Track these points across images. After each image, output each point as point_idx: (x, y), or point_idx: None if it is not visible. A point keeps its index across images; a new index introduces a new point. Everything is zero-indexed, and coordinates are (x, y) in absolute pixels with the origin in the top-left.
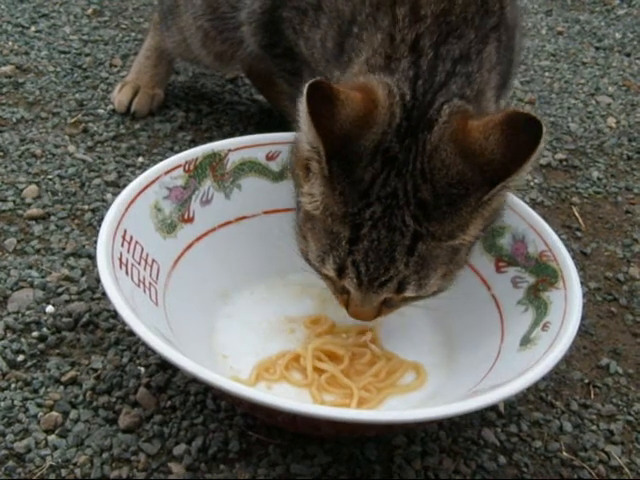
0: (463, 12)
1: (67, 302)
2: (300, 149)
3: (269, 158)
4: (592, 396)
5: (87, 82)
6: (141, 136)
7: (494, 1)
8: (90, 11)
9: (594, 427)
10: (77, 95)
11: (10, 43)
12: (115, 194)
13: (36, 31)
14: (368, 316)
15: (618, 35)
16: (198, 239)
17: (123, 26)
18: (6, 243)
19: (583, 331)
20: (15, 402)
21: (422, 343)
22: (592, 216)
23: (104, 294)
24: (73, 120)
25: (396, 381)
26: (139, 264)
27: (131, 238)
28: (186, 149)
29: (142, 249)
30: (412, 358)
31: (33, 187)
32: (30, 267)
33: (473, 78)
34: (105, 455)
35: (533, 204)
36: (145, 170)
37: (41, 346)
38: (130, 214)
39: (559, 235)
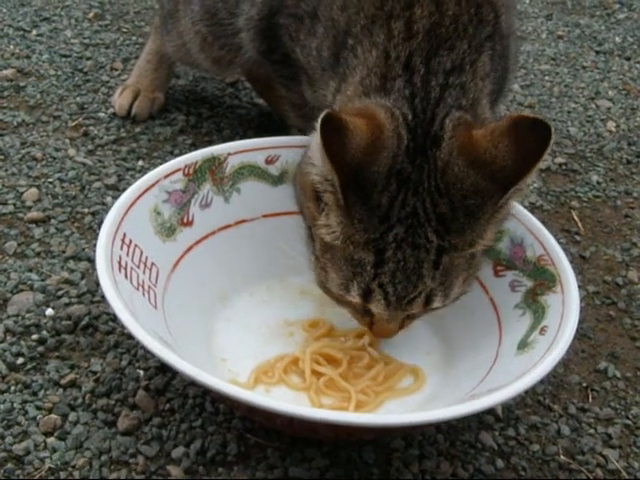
0: (454, 23)
1: (67, 305)
2: (307, 183)
3: (268, 162)
4: (590, 400)
5: (88, 86)
6: (141, 140)
7: (488, 10)
8: (91, 15)
9: (592, 431)
10: (78, 99)
11: (11, 47)
12: (115, 197)
13: (37, 35)
14: (393, 332)
15: (618, 39)
16: (197, 242)
17: (124, 30)
18: (6, 246)
19: (581, 335)
20: (14, 404)
21: (420, 346)
22: (591, 220)
23: (104, 297)
24: (74, 123)
25: (394, 384)
26: (138, 267)
27: (130, 241)
28: (186, 153)
29: (141, 252)
30: (410, 361)
31: (33, 190)
32: (30, 270)
33: (467, 88)
34: (104, 457)
35: (532, 208)
36: (145, 173)
37: (41, 349)
38: (129, 217)
39: (558, 239)
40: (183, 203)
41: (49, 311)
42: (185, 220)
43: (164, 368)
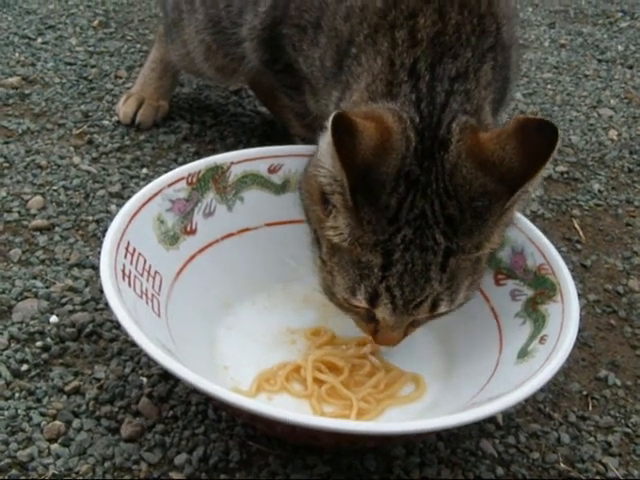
0: (457, 32)
1: (71, 312)
2: (314, 186)
3: (271, 171)
4: (590, 408)
5: (92, 93)
6: (145, 147)
7: (490, 22)
8: (96, 23)
9: (592, 439)
10: (82, 106)
11: (17, 54)
12: (119, 205)
13: (42, 43)
14: (397, 340)
15: (620, 47)
16: (200, 251)
17: (128, 38)
18: (11, 253)
19: (582, 343)
20: (19, 411)
21: (421, 355)
22: (592, 228)
23: (107, 305)
24: (78, 131)
25: (395, 392)
26: (142, 276)
27: (134, 250)
28: (190, 160)
29: (145, 261)
30: (411, 369)
31: (38, 198)
32: (34, 277)
33: (472, 95)
34: (107, 464)
35: (534, 216)
36: (149, 181)
37: (45, 356)
38: (133, 226)
39: (559, 247)
40: (186, 212)
41: (53, 318)
42: (188, 229)
43: (167, 375)
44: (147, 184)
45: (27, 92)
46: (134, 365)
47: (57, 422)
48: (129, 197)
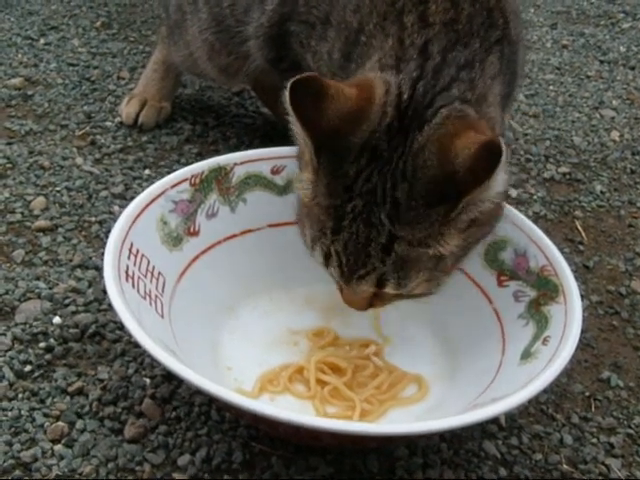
0: (469, 23)
1: (74, 313)
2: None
3: (274, 172)
4: (593, 409)
5: (95, 95)
6: (148, 148)
7: (498, 16)
8: (99, 24)
9: (594, 440)
10: (85, 107)
11: (19, 55)
12: (122, 206)
13: (45, 44)
14: (360, 305)
15: (623, 49)
16: (204, 252)
17: (131, 39)
18: (14, 254)
19: (584, 344)
20: (22, 412)
21: (424, 356)
22: (595, 230)
23: (110, 306)
24: (81, 132)
25: (398, 393)
26: (145, 277)
27: (137, 251)
28: (192, 161)
29: (148, 262)
30: (414, 370)
31: (41, 199)
32: (38, 278)
33: (475, 83)
34: (110, 465)
35: (536, 217)
36: (152, 182)
37: (48, 357)
38: (136, 227)
39: (561, 248)
40: (189, 213)
41: (56, 319)
42: (191, 230)
43: (170, 377)
44: (150, 185)
45: (30, 93)
46: (137, 366)
47: (60, 423)
48: (132, 198)
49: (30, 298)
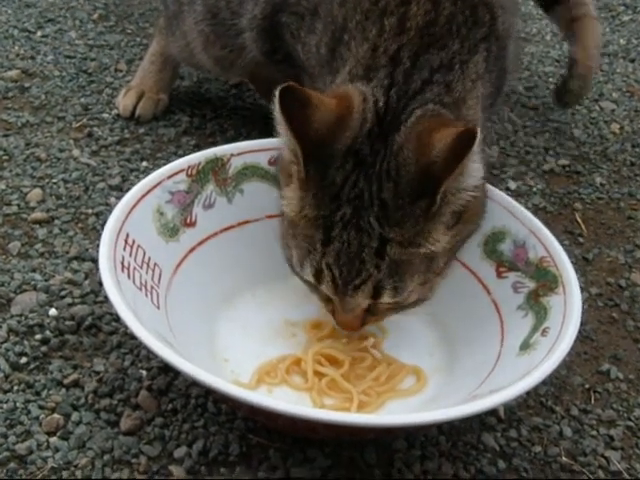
0: (448, 23)
1: (70, 305)
2: (284, 155)
3: (271, 163)
4: (592, 401)
5: (92, 87)
6: (145, 140)
7: (484, 12)
8: (96, 16)
9: (594, 432)
10: (82, 99)
11: (16, 48)
12: (119, 198)
13: (42, 36)
14: (353, 324)
15: (623, 41)
16: (200, 243)
17: (128, 31)
18: (10, 246)
19: (584, 336)
20: (17, 404)
21: (422, 347)
22: (594, 222)
23: (107, 298)
24: (78, 124)
25: (396, 385)
26: (141, 268)
27: (133, 242)
28: (190, 154)
29: (144, 253)
30: (412, 362)
31: (37, 191)
32: (34, 270)
33: (453, 86)
34: (106, 457)
35: (535, 209)
36: (149, 174)
37: (44, 349)
38: (132, 218)
39: (561, 240)
40: (186, 204)
41: (52, 311)
42: (188, 221)
43: (167, 368)
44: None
45: (27, 85)
46: (133, 358)
47: (56, 415)
48: (129, 190)
49: (26, 290)
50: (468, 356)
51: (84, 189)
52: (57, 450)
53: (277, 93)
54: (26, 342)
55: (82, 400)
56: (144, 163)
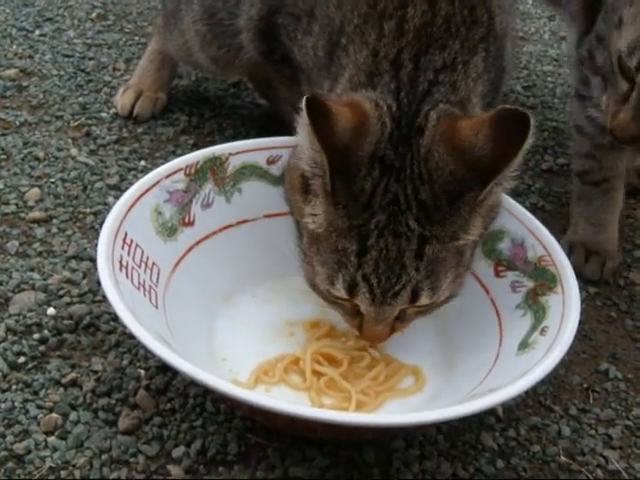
0: (446, 23)
1: (68, 304)
2: (295, 175)
3: (270, 162)
4: (591, 401)
5: (90, 86)
6: (143, 140)
7: (482, 12)
8: (94, 15)
9: (592, 432)
10: (80, 99)
11: (14, 47)
12: (117, 197)
13: (40, 35)
14: (382, 335)
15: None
16: (198, 242)
17: (127, 30)
18: (8, 246)
19: (582, 336)
20: (15, 404)
21: (421, 347)
22: None
23: (105, 297)
24: (76, 123)
25: (395, 385)
26: (139, 267)
27: (131, 241)
28: (188, 153)
29: (142, 252)
30: (411, 361)
31: (35, 190)
32: (32, 270)
33: (458, 86)
34: (104, 457)
35: (534, 208)
36: (147, 174)
37: (42, 348)
38: (131, 217)
39: (559, 239)
40: (184, 203)
41: (51, 310)
42: (186, 220)
43: (165, 368)
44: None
45: (25, 84)
46: (132, 357)
47: (54, 415)
48: (127, 189)
49: (24, 289)
50: (467, 355)
51: (82, 188)
52: (55, 450)
53: (304, 103)
54: (24, 341)
55: (80, 399)
56: (142, 162)
